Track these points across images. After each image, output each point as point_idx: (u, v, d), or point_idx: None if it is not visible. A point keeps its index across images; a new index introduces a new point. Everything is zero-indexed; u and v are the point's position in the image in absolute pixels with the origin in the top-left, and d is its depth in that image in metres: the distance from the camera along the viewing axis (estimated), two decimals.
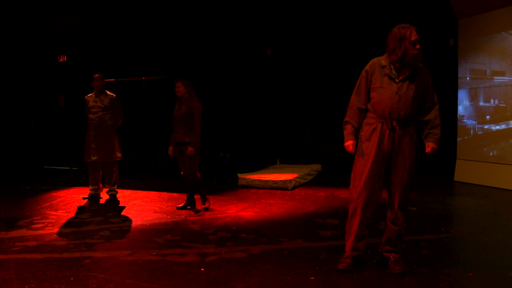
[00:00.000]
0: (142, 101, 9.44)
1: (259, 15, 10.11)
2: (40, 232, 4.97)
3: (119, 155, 6.84)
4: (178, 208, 6.06)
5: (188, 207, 6.07)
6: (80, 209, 6.23)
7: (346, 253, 3.67)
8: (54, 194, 7.28)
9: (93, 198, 6.83)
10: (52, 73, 11.13)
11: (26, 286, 3.34)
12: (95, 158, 6.63)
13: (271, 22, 10.15)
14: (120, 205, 6.46)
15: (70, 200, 6.78)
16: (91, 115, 6.68)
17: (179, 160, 6.00)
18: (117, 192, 6.92)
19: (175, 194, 7.22)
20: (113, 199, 6.77)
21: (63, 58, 11.33)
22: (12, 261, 3.95)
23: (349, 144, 3.59)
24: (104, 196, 6.92)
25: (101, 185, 6.94)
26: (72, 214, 5.89)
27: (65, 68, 11.14)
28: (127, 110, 9.53)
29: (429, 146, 3.57)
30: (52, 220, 5.52)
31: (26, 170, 10.09)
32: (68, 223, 5.38)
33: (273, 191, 7.54)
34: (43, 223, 5.39)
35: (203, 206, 6.04)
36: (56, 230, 5.05)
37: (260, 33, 10.24)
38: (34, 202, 6.66)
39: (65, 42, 11.14)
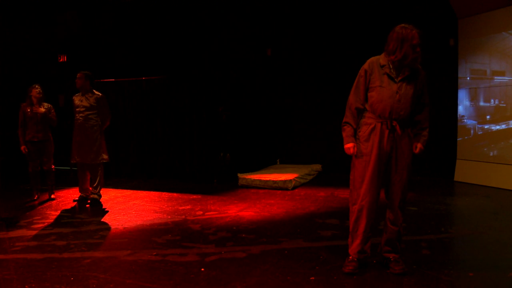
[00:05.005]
0: (142, 101, 9.43)
1: (259, 15, 10.12)
2: (40, 232, 4.97)
3: (105, 156, 6.60)
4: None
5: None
6: (80, 209, 6.23)
7: (350, 257, 3.62)
8: (54, 194, 7.27)
9: (83, 200, 6.65)
10: (53, 73, 11.12)
11: (26, 286, 3.34)
12: (78, 159, 6.49)
13: (271, 22, 10.16)
14: (120, 205, 6.45)
15: (70, 200, 6.78)
16: (77, 115, 6.51)
17: (36, 155, 6.74)
18: (100, 196, 6.61)
19: (175, 194, 7.22)
20: (95, 203, 6.48)
21: (63, 58, 11.33)
22: (13, 261, 3.95)
23: (349, 146, 3.56)
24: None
25: (90, 188, 6.64)
26: (72, 214, 5.90)
27: (65, 68, 11.13)
28: (127, 110, 9.54)
29: (417, 147, 3.57)
30: (52, 220, 5.52)
31: (26, 170, 10.10)
32: (68, 223, 5.38)
33: (273, 191, 7.54)
34: (43, 223, 5.39)
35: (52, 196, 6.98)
36: (56, 230, 5.06)
37: (260, 33, 10.24)
38: (34, 202, 6.66)
39: (65, 42, 11.14)
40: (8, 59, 11.08)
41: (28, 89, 6.73)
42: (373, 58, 3.56)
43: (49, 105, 6.84)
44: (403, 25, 3.43)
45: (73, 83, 6.72)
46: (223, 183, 8.32)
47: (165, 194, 7.24)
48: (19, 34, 11.05)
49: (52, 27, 10.89)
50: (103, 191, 6.83)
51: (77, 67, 10.28)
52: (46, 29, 10.94)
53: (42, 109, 6.71)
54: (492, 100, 8.05)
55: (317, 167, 9.49)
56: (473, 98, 8.38)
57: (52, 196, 6.92)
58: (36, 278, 3.52)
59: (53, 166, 6.89)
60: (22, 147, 6.64)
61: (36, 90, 6.69)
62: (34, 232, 4.95)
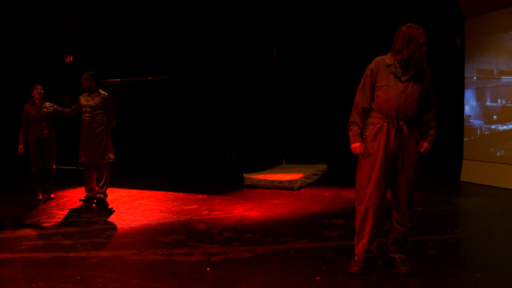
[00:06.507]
0: (148, 101, 9.45)
1: (265, 15, 10.12)
2: (47, 231, 4.99)
3: (112, 156, 6.63)
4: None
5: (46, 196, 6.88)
6: (86, 209, 6.26)
7: (356, 257, 3.61)
8: (60, 193, 7.31)
9: (89, 199, 6.68)
10: (58, 73, 11.16)
11: (33, 285, 3.36)
12: (85, 158, 6.52)
13: (277, 22, 10.15)
14: (126, 204, 6.47)
15: (76, 200, 6.80)
16: (83, 115, 6.55)
17: (39, 155, 6.74)
18: (106, 195, 6.63)
19: (181, 194, 7.23)
20: (101, 203, 6.50)
21: (69, 58, 11.37)
22: (19, 260, 3.98)
23: (356, 146, 3.55)
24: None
25: (96, 187, 6.67)
26: (78, 214, 5.92)
27: (71, 68, 11.17)
28: (133, 109, 9.56)
29: (423, 146, 3.57)
30: (59, 220, 5.55)
31: (30, 170, 10.20)
32: (75, 223, 5.40)
33: (279, 191, 7.54)
34: (50, 222, 5.41)
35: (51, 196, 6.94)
36: (62, 229, 5.08)
37: (266, 32, 10.24)
38: (39, 201, 6.68)
39: (71, 42, 11.18)
40: (11, 59, 11.13)
41: (30, 89, 6.76)
42: (379, 58, 3.56)
43: (52, 104, 6.86)
44: (409, 24, 3.43)
45: (78, 83, 6.75)
46: (228, 183, 8.33)
47: (171, 194, 7.25)
48: (24, 34, 11.08)
49: (58, 27, 10.92)
50: (109, 191, 6.85)
51: (82, 67, 10.34)
52: (52, 29, 10.97)
53: (45, 109, 6.72)
54: (499, 100, 8.01)
55: (323, 167, 9.47)
56: (480, 98, 8.34)
57: (52, 196, 6.93)
58: (42, 277, 3.53)
59: (54, 167, 6.89)
60: (19, 147, 6.68)
61: (37, 90, 6.72)
62: (41, 232, 4.97)
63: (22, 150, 6.68)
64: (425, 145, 3.56)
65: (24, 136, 6.73)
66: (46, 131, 6.69)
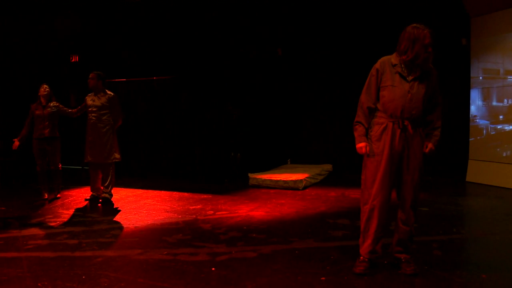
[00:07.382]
0: (153, 101, 9.47)
1: (270, 14, 10.12)
2: (52, 230, 5.01)
3: (117, 156, 6.65)
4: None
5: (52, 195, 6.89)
6: (92, 208, 6.28)
7: (361, 257, 3.61)
8: (66, 193, 7.34)
9: (94, 199, 6.71)
10: (64, 73, 11.20)
11: (39, 284, 3.37)
12: (91, 158, 6.55)
13: (282, 22, 10.15)
14: (131, 204, 6.49)
15: (81, 199, 6.83)
16: (89, 115, 6.57)
17: (42, 155, 6.73)
18: (111, 195, 6.66)
19: (186, 194, 7.24)
20: (106, 203, 6.53)
21: (75, 58, 11.41)
22: (25, 259, 3.99)
23: (361, 146, 3.55)
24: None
25: (101, 187, 6.69)
26: (84, 213, 5.94)
27: (76, 68, 11.21)
28: (138, 109, 9.59)
29: (428, 147, 3.56)
30: (64, 219, 5.57)
31: (35, 170, 10.23)
32: (80, 222, 5.42)
33: (284, 191, 7.53)
34: (55, 221, 5.44)
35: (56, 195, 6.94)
36: (68, 229, 5.10)
37: (271, 32, 10.24)
38: (44, 201, 6.70)
39: (77, 42, 11.22)
40: (17, 60, 11.17)
41: (38, 89, 6.81)
42: (384, 58, 3.55)
43: (57, 104, 6.86)
44: (414, 24, 3.42)
45: (84, 83, 6.77)
46: (233, 183, 8.33)
47: (176, 194, 7.26)
48: (27, 33, 11.12)
49: (62, 27, 10.95)
50: (114, 190, 6.85)
51: (88, 67, 10.36)
52: (54, 29, 11.00)
53: (48, 109, 6.70)
54: (505, 100, 7.97)
55: (328, 167, 9.46)
56: (486, 98, 8.30)
57: (58, 195, 6.95)
58: (48, 276, 3.55)
59: (60, 166, 6.89)
60: (16, 139, 6.67)
61: (43, 89, 6.74)
62: (47, 231, 4.99)
63: (17, 144, 6.64)
64: (430, 145, 3.56)
65: (24, 133, 6.72)
66: (47, 130, 6.66)
